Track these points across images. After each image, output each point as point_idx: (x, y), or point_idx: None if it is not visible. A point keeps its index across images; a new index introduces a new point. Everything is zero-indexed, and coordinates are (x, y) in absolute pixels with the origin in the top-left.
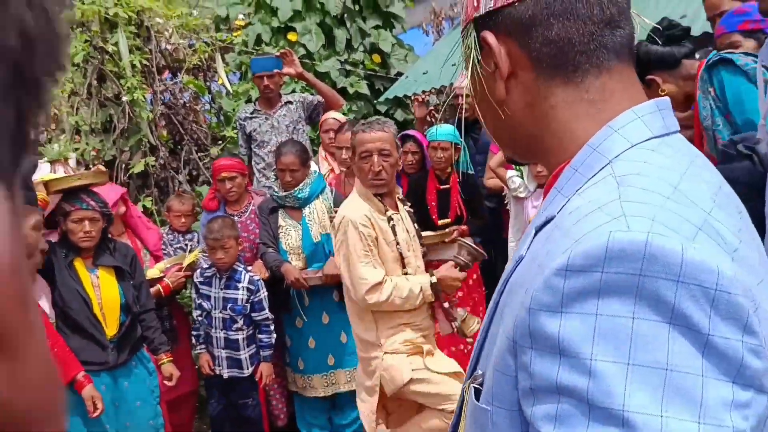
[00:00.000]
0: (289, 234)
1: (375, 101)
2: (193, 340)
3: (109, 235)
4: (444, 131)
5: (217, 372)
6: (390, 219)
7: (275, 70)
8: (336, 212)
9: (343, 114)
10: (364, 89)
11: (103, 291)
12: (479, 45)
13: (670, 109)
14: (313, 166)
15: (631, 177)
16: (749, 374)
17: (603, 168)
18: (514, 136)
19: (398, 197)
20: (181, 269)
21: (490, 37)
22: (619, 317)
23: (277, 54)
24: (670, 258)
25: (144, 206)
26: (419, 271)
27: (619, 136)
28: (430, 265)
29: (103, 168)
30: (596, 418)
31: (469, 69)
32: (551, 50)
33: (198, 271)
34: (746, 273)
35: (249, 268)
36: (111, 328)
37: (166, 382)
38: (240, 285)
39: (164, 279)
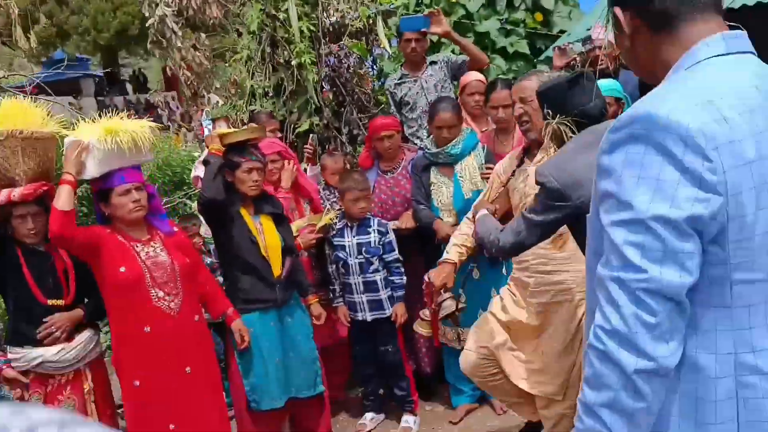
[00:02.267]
0: (441, 191)
1: (535, 60)
2: (331, 294)
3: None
4: (606, 86)
5: (360, 317)
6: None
7: (423, 29)
8: (488, 169)
9: (503, 73)
10: (524, 48)
11: (266, 235)
12: (614, 16)
13: (738, 37)
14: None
15: (676, 80)
16: (708, 182)
17: (672, 75)
18: (642, 68)
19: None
20: (314, 231)
21: (618, 11)
22: (636, 153)
23: (425, 13)
24: (660, 120)
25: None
26: None
27: (691, 56)
28: None
29: (259, 124)
30: (620, 207)
31: (610, 30)
32: (657, 16)
33: (335, 212)
34: (728, 130)
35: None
36: (276, 269)
37: (314, 322)
38: (370, 229)
39: (297, 238)
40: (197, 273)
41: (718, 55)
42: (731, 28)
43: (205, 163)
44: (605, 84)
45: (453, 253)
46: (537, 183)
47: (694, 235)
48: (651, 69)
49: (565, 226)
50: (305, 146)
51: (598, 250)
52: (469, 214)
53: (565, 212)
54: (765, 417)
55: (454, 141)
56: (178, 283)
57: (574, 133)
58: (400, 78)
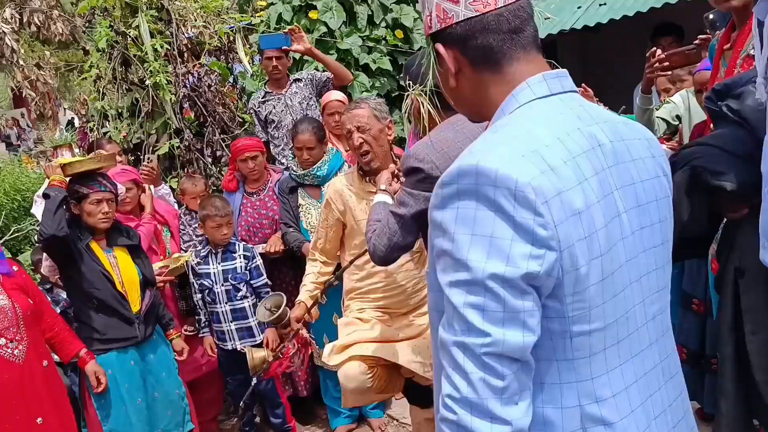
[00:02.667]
0: (310, 213)
1: (398, 76)
2: (196, 325)
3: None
4: None
5: (229, 347)
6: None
7: (283, 47)
8: None
9: (366, 90)
10: (387, 65)
11: (122, 270)
12: (436, 53)
13: (559, 77)
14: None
15: (502, 126)
16: (541, 238)
17: (497, 121)
18: (467, 107)
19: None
20: (162, 273)
21: (440, 48)
22: (468, 209)
23: (285, 31)
24: (489, 173)
25: (171, 187)
26: None
27: (514, 99)
28: None
29: (104, 152)
30: (456, 267)
31: (432, 68)
32: (479, 54)
33: (192, 252)
34: (556, 181)
35: (253, 246)
36: (135, 304)
37: (177, 357)
38: (236, 254)
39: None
40: (43, 315)
41: (541, 97)
42: (552, 66)
43: (45, 196)
44: None
45: (304, 294)
46: (409, 169)
47: (533, 292)
48: (477, 109)
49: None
50: (143, 166)
51: (438, 306)
52: (312, 250)
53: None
54: None
55: (319, 162)
56: (21, 328)
57: (432, 105)
58: (264, 96)
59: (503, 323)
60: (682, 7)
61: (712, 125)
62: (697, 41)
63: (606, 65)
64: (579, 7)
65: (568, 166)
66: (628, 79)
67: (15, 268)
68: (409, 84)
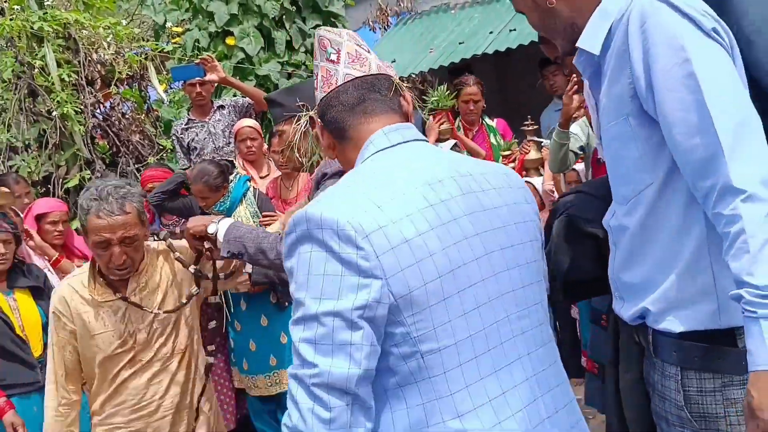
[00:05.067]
0: None
1: None
2: None
3: (18, 257)
4: None
5: None
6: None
7: (197, 78)
8: (266, 217)
9: None
10: None
11: (22, 313)
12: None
13: (399, 129)
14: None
15: (343, 179)
16: (365, 269)
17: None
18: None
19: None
20: None
21: (317, 120)
22: (305, 252)
23: (197, 61)
24: (316, 218)
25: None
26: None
27: (360, 155)
28: None
29: (5, 189)
30: (297, 306)
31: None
32: (334, 125)
33: None
34: (379, 217)
35: None
36: (36, 349)
37: None
38: None
39: None
40: None
41: (383, 149)
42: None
43: None
44: None
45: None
46: (336, 171)
47: (365, 326)
48: (343, 164)
49: None
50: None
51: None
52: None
53: None
54: None
55: (221, 198)
56: None
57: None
58: (187, 123)
59: (332, 355)
60: None
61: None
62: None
63: (519, 86)
64: (491, 32)
65: (395, 202)
66: (542, 99)
67: None
68: (302, 106)
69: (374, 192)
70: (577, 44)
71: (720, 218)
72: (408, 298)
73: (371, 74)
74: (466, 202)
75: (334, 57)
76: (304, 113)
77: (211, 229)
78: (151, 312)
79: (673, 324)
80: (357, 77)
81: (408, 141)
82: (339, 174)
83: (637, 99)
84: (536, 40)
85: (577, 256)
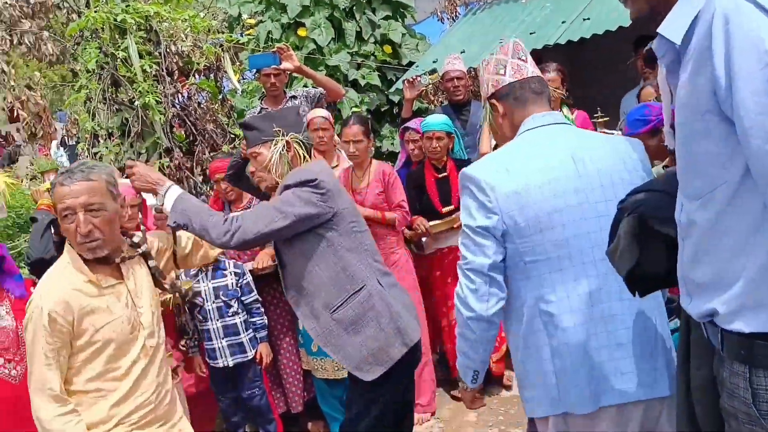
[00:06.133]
0: None
1: (387, 92)
2: (183, 343)
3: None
4: (437, 121)
5: (221, 364)
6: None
7: (273, 65)
8: None
9: (356, 106)
10: (376, 80)
11: None
12: (491, 106)
13: (547, 115)
14: None
15: (501, 149)
16: (490, 208)
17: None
18: (507, 136)
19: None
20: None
21: (494, 101)
22: (465, 195)
23: (274, 50)
24: (470, 176)
25: None
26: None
27: (522, 127)
28: (440, 253)
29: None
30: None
31: (488, 114)
32: (511, 106)
33: (192, 283)
34: (505, 176)
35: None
36: None
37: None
38: (226, 272)
39: None
40: None
41: (530, 129)
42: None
43: (33, 219)
44: (435, 119)
45: None
46: (295, 184)
47: (490, 235)
48: (510, 133)
49: None
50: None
51: None
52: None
53: (319, 211)
54: (557, 335)
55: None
56: (21, 349)
57: (303, 148)
58: (260, 112)
59: (474, 252)
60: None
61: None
62: None
63: (591, 78)
64: (563, 22)
65: (519, 167)
66: (613, 90)
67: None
68: (281, 131)
69: (509, 159)
70: (657, 30)
71: None
72: (516, 228)
73: (535, 75)
74: (569, 169)
75: (524, 57)
76: (281, 137)
77: (160, 191)
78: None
79: (744, 324)
80: (528, 77)
81: (549, 124)
82: (301, 184)
83: (716, 97)
84: (611, 29)
85: (645, 255)
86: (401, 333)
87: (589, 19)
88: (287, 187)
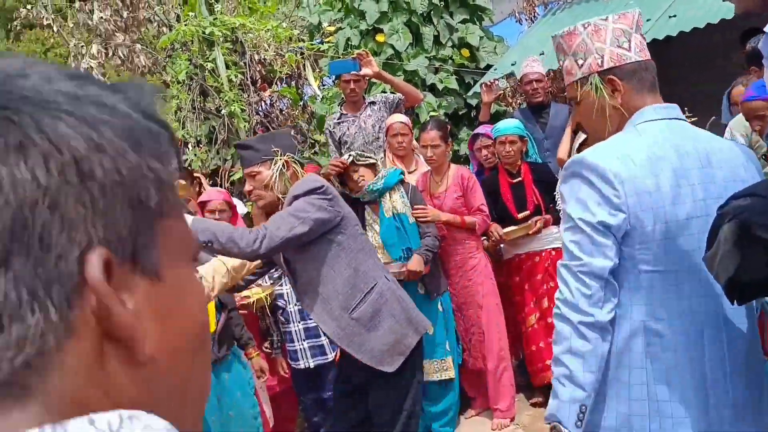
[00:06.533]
0: (374, 229)
1: (465, 95)
2: (267, 345)
3: None
4: (508, 125)
5: (302, 366)
6: None
7: (353, 72)
8: (417, 209)
9: (434, 110)
10: (454, 84)
11: None
12: (603, 83)
13: (666, 108)
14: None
15: (614, 138)
16: (614, 203)
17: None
18: (611, 125)
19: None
20: (244, 304)
21: (613, 77)
22: (575, 184)
23: (353, 56)
24: (590, 163)
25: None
26: None
27: (639, 115)
28: (518, 259)
29: (183, 182)
30: (566, 219)
31: (596, 98)
32: (633, 89)
33: (274, 288)
34: (633, 170)
35: None
36: (210, 325)
37: (257, 376)
38: None
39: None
40: None
41: (646, 121)
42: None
43: None
44: (508, 124)
45: None
46: (304, 192)
47: (611, 234)
48: (618, 120)
49: None
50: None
51: None
52: None
53: (330, 216)
54: (660, 358)
55: (375, 178)
56: None
57: (299, 165)
58: (339, 118)
59: (591, 253)
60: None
61: None
62: None
63: (678, 76)
64: (648, 20)
65: (648, 161)
66: (705, 90)
67: None
68: (277, 151)
69: (633, 151)
70: (765, 28)
71: None
72: (640, 231)
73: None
74: (700, 174)
75: (644, 34)
76: (280, 157)
77: None
78: None
79: None
80: (649, 59)
81: (672, 118)
82: (309, 192)
83: None
84: (699, 26)
85: (746, 261)
86: (413, 323)
87: (675, 16)
88: (296, 197)
